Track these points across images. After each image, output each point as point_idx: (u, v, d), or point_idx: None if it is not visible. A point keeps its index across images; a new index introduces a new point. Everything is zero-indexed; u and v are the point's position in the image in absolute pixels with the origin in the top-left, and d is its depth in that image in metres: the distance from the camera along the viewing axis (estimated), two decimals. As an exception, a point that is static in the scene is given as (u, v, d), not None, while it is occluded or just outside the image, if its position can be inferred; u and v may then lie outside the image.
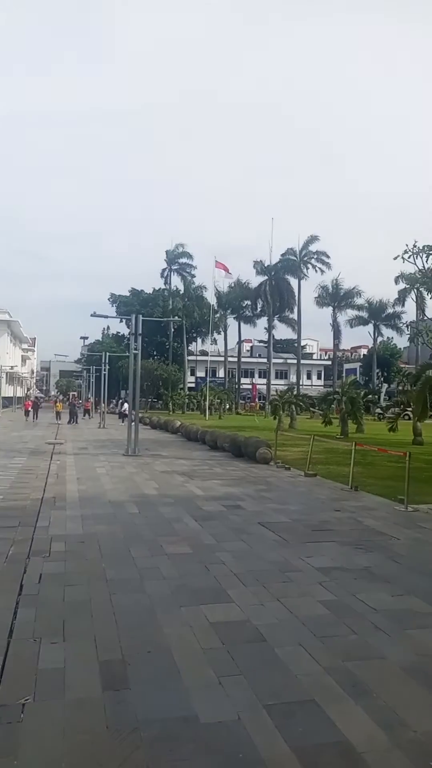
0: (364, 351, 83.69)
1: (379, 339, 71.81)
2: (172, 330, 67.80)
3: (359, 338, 78.33)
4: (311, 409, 38.75)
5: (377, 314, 67.58)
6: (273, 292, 66.24)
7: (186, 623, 4.65)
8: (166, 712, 3.36)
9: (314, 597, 5.34)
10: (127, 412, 33.43)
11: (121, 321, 67.75)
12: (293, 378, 73.36)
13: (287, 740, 3.09)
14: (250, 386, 77.60)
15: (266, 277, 66.80)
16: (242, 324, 72.48)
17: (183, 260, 72.63)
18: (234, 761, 2.94)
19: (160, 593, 5.36)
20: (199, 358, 75.41)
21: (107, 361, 41.28)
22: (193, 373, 76.38)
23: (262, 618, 4.79)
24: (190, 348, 74.75)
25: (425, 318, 20.76)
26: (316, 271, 67.04)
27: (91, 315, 22.00)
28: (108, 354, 42.67)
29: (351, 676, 3.82)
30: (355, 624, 4.72)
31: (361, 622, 4.77)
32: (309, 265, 67.12)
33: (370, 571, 6.22)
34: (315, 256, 66.86)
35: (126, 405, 35.11)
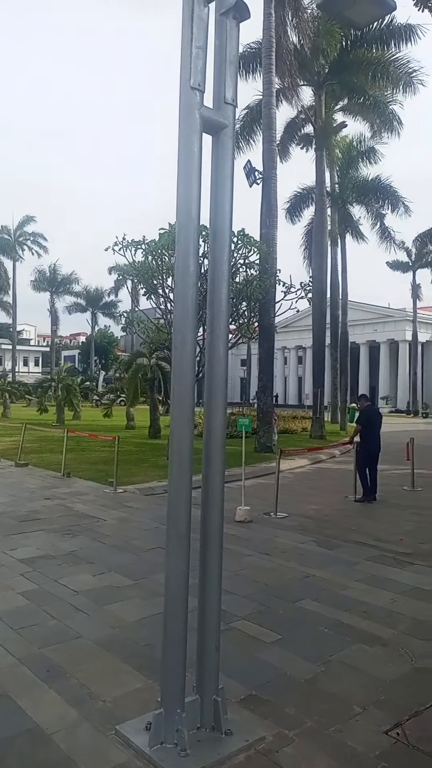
0: (82, 338, 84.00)
1: (97, 327, 72.95)
2: None
3: (78, 325, 77.87)
4: (27, 396, 37.48)
5: (95, 302, 68.44)
6: (-15, 272, 61.57)
7: None
8: None
9: (15, 590, 5.21)
10: None
11: None
12: (9, 364, 69.58)
13: (-28, 742, 2.96)
14: (-41, 373, 71.10)
15: (-23, 255, 61.72)
16: None
17: None
18: None
19: None
20: None
21: None
22: None
23: None
24: None
25: (137, 309, 21.83)
26: (32, 253, 64.52)
27: None
28: None
29: (46, 662, 3.84)
30: (55, 609, 4.76)
31: (62, 607, 4.83)
32: (25, 247, 64.22)
33: (75, 555, 6.33)
34: (31, 238, 64.25)
35: None
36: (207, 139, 3.17)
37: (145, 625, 4.46)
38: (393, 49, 21.60)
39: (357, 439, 10.47)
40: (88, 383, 41.30)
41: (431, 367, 56.09)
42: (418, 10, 9.94)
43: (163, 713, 2.94)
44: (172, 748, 2.88)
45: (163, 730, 2.93)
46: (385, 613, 4.80)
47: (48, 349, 75.36)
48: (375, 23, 20.21)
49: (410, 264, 45.64)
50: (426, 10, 9.91)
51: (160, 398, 22.89)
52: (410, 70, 21.91)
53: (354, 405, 22.63)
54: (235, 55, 3.23)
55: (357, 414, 11.57)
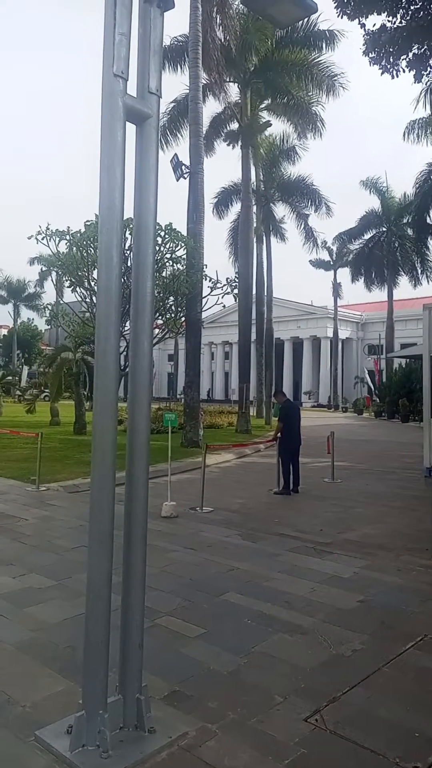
0: (4, 331, 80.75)
1: (20, 320, 70.40)
2: None
3: (-1, 318, 74.70)
4: None
5: (17, 294, 66.04)
6: None
7: None
8: None
9: None
10: None
11: None
12: None
13: None
14: None
15: None
16: None
17: None
18: None
19: None
20: None
21: None
22: None
23: None
24: None
25: (62, 301, 21.24)
26: None
27: None
28: None
29: (-39, 670, 3.67)
30: (-29, 614, 4.56)
31: (-22, 611, 4.63)
32: None
33: (-6, 557, 6.09)
34: None
35: None
36: (131, 129, 3.11)
37: (68, 626, 4.35)
38: (316, 53, 22.15)
39: (280, 435, 10.70)
40: (10, 378, 39.92)
41: (351, 363, 58.22)
42: (338, 16, 10.25)
43: (85, 715, 2.88)
44: (93, 750, 2.83)
45: (85, 732, 2.86)
46: (305, 603, 4.93)
47: (-34, 342, 71.89)
48: (299, 25, 20.68)
49: (331, 263, 47.03)
50: (345, 17, 10.23)
51: (86, 393, 22.42)
52: (332, 74, 22.55)
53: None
54: (159, 45, 3.18)
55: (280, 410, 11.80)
